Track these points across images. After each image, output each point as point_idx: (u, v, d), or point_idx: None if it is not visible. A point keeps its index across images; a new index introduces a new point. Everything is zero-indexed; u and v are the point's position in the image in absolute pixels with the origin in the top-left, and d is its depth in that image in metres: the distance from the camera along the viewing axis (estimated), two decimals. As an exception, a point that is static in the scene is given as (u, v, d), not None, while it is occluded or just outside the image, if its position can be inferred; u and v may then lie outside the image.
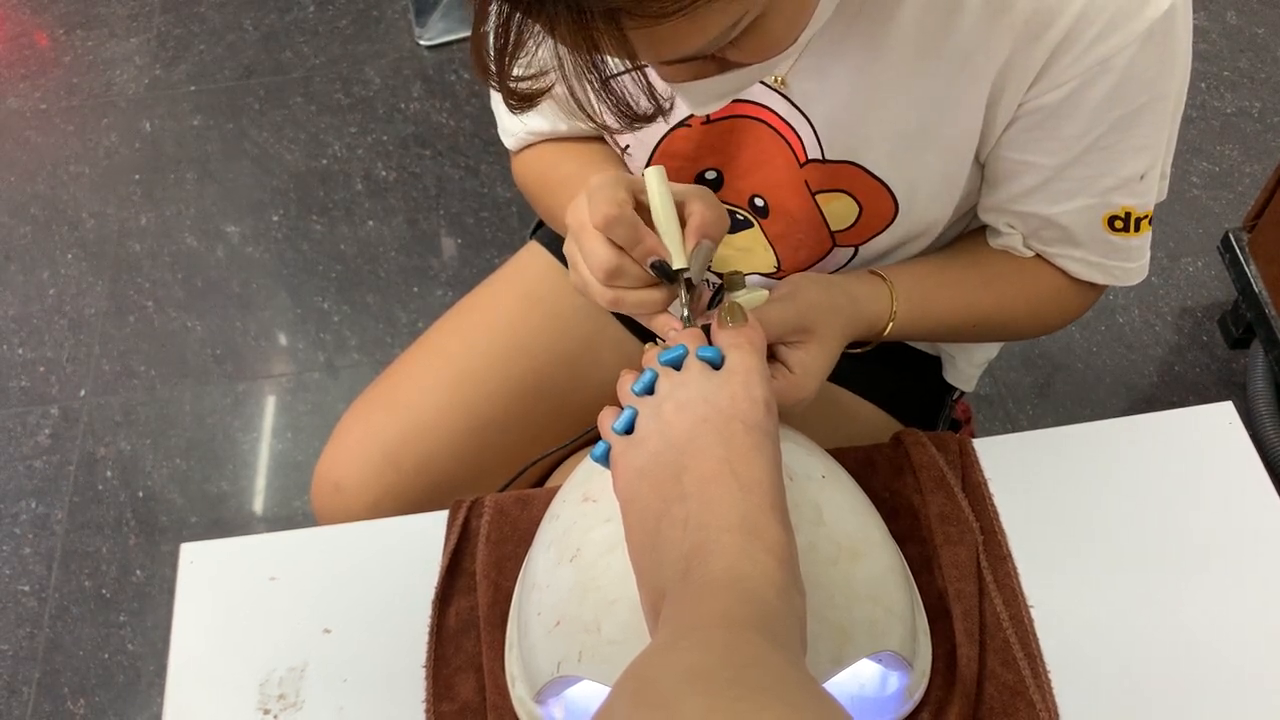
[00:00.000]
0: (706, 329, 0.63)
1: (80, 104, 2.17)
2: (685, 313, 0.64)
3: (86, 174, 2.05)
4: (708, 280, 0.88)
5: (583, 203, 0.63)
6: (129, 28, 2.31)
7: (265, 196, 1.99)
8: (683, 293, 0.63)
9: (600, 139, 0.86)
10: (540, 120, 0.85)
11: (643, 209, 0.64)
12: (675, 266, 0.62)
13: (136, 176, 2.04)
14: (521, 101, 0.56)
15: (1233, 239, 1.57)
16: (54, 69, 2.25)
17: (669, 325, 0.64)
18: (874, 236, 0.78)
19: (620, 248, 0.62)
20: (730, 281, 0.69)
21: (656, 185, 0.64)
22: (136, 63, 2.24)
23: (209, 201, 1.99)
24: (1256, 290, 1.53)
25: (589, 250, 0.63)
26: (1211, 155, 1.91)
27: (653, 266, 0.62)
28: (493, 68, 0.52)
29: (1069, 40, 0.63)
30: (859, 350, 0.76)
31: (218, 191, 2.01)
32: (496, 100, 0.88)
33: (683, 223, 0.64)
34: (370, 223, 1.94)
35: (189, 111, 2.14)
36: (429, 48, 2.20)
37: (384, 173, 2.01)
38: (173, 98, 2.17)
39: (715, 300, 0.64)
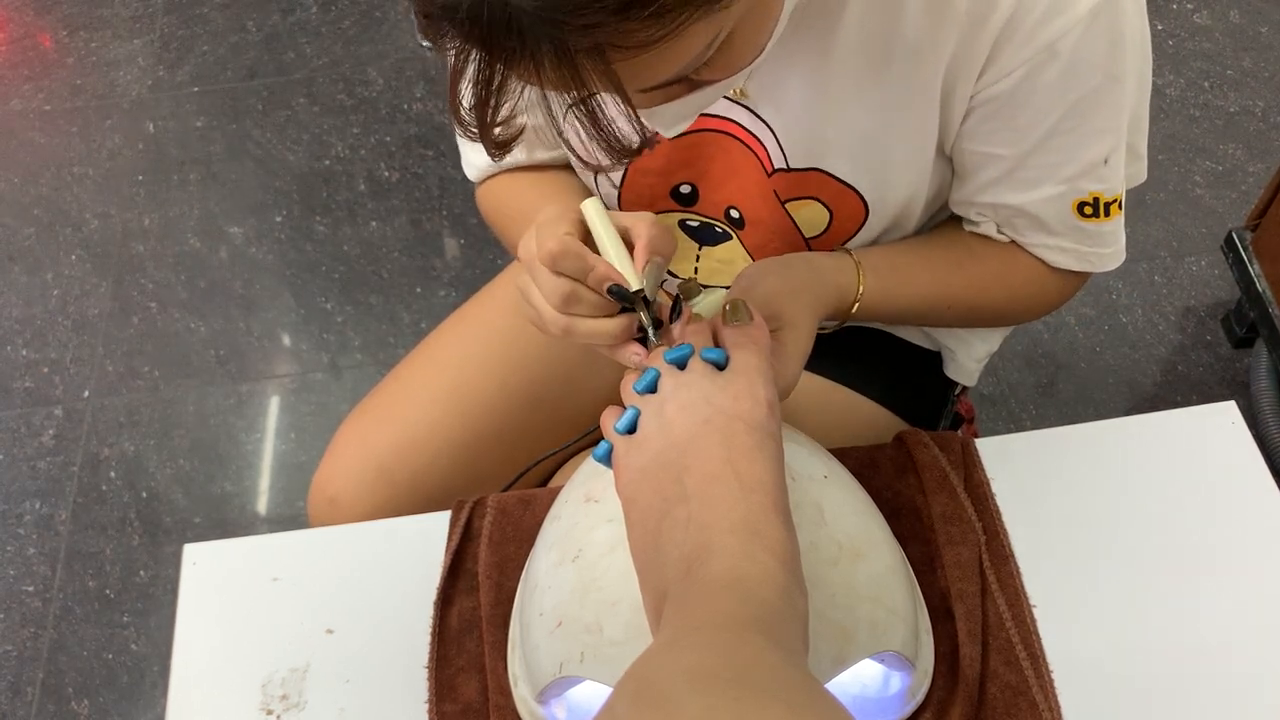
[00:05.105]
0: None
1: (84, 105, 2.17)
2: (651, 333, 0.62)
3: (90, 175, 2.05)
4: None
5: (532, 237, 0.63)
6: (132, 29, 2.31)
7: (268, 197, 1.99)
8: (643, 314, 0.62)
9: (562, 167, 0.86)
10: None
11: (592, 240, 0.64)
12: (633, 288, 0.61)
13: (140, 177, 2.04)
14: (500, 149, 0.56)
15: (1236, 238, 1.57)
16: (57, 70, 2.25)
17: (631, 352, 0.63)
18: (847, 240, 0.78)
19: (573, 278, 0.61)
20: (686, 290, 0.68)
21: (596, 215, 0.63)
22: (140, 64, 2.24)
23: (212, 202, 1.99)
24: (1260, 289, 1.52)
25: (542, 281, 0.62)
26: (1215, 154, 1.91)
27: (610, 291, 0.61)
28: (473, 122, 0.51)
29: (1011, 27, 0.63)
30: (829, 329, 0.76)
31: (221, 192, 2.01)
32: (461, 135, 0.87)
33: (631, 249, 0.63)
34: (373, 223, 1.94)
35: (192, 112, 2.14)
36: (431, 48, 2.20)
37: (387, 173, 2.01)
38: (176, 99, 2.17)
39: (675, 312, 0.65)
